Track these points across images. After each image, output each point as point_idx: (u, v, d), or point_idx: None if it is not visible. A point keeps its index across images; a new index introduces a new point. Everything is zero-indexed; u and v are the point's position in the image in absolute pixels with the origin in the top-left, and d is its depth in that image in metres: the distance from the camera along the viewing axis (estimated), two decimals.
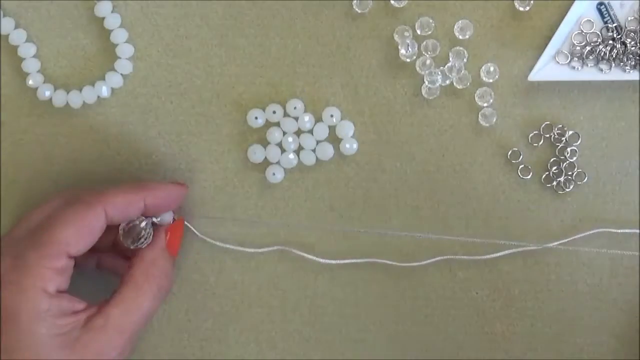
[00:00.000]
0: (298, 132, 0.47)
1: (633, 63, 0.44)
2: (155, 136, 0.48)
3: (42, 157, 0.48)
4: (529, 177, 0.46)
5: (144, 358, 0.49)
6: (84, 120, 0.48)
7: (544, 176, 0.47)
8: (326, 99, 0.47)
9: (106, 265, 0.47)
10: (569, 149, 0.46)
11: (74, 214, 0.40)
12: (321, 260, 0.47)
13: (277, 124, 0.47)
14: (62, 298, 0.39)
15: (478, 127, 0.47)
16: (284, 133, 0.47)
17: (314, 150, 0.47)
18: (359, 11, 0.46)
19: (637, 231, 0.46)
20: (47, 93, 0.47)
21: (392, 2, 0.46)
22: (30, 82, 0.47)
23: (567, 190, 0.46)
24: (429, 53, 0.46)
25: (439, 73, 0.46)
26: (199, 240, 0.48)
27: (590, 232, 0.46)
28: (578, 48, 0.45)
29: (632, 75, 0.44)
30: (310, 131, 0.47)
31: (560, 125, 0.46)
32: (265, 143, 0.47)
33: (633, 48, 0.44)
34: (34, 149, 0.48)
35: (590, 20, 0.45)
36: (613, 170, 0.46)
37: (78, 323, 0.39)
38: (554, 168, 0.46)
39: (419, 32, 0.46)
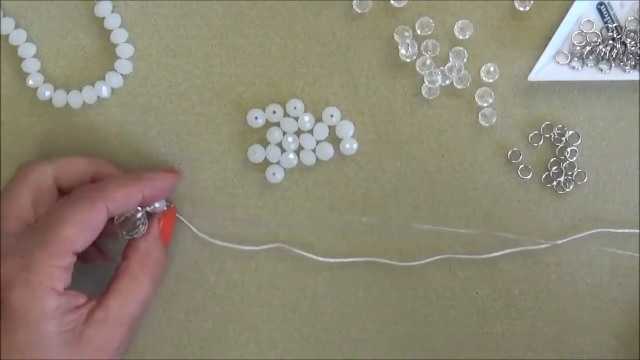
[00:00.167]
0: (298, 132, 0.47)
1: (633, 63, 0.44)
2: (155, 136, 0.48)
3: (42, 157, 0.48)
4: (529, 177, 0.46)
5: (144, 358, 0.49)
6: (84, 120, 0.48)
7: (544, 176, 0.47)
8: (326, 99, 0.47)
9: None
10: (569, 149, 0.46)
11: (77, 212, 0.40)
12: (320, 258, 0.47)
13: (277, 124, 0.47)
14: (68, 295, 0.40)
15: (478, 127, 0.47)
16: (284, 133, 0.47)
17: (314, 150, 0.47)
18: (359, 11, 0.46)
19: (637, 231, 0.46)
20: (47, 93, 0.47)
21: (392, 2, 0.46)
22: (30, 82, 0.47)
23: (567, 190, 0.46)
24: (429, 53, 0.46)
25: (439, 73, 0.46)
26: (199, 240, 0.48)
27: (590, 232, 0.46)
28: (578, 48, 0.45)
29: (632, 75, 0.44)
30: (310, 131, 0.47)
31: (560, 125, 0.46)
32: (265, 143, 0.47)
33: (633, 48, 0.44)
34: (34, 149, 0.48)
35: (590, 20, 0.45)
36: (613, 170, 0.46)
37: (81, 318, 0.40)
38: (554, 168, 0.46)
39: (419, 32, 0.46)
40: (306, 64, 0.47)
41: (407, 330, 0.48)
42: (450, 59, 0.46)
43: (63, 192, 0.45)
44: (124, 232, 0.43)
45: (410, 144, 0.47)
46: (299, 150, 0.47)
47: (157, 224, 0.45)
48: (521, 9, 0.45)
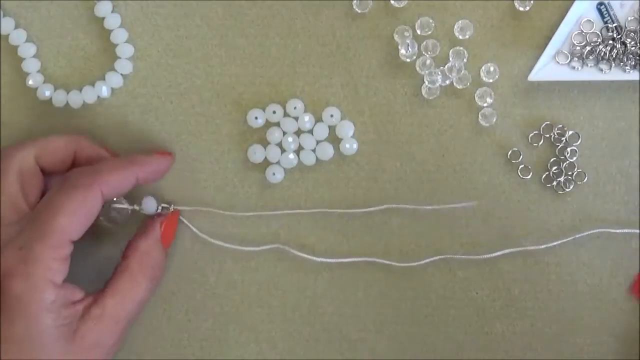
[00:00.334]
0: (298, 132, 0.47)
1: (633, 63, 0.44)
2: (155, 136, 0.48)
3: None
4: (529, 177, 0.46)
5: (144, 358, 0.49)
6: (84, 120, 0.48)
7: (544, 176, 0.47)
8: (326, 99, 0.47)
9: None
10: (569, 149, 0.46)
11: (73, 200, 0.40)
12: (318, 258, 0.47)
13: (277, 124, 0.47)
14: (66, 288, 0.40)
15: (478, 127, 0.47)
16: (284, 133, 0.47)
17: (314, 150, 0.47)
18: (359, 11, 0.46)
19: (637, 231, 0.46)
20: (47, 93, 0.47)
21: (392, 2, 0.46)
22: (30, 82, 0.47)
23: (567, 190, 0.46)
24: (429, 53, 0.46)
25: (439, 73, 0.46)
26: (199, 240, 0.48)
27: (590, 232, 0.46)
28: (578, 48, 0.45)
29: (632, 75, 0.44)
30: (310, 131, 0.47)
31: (560, 125, 0.46)
32: (265, 143, 0.47)
33: (633, 48, 0.44)
34: None
35: (590, 20, 0.45)
36: (613, 170, 0.46)
37: (77, 314, 0.40)
38: (554, 168, 0.46)
39: (419, 32, 0.46)
40: (306, 64, 0.47)
41: (407, 330, 0.48)
42: (450, 59, 0.46)
43: (45, 172, 0.44)
44: (102, 218, 0.44)
45: (410, 144, 0.47)
46: (299, 150, 0.47)
47: (159, 226, 0.45)
48: (521, 9, 0.45)
